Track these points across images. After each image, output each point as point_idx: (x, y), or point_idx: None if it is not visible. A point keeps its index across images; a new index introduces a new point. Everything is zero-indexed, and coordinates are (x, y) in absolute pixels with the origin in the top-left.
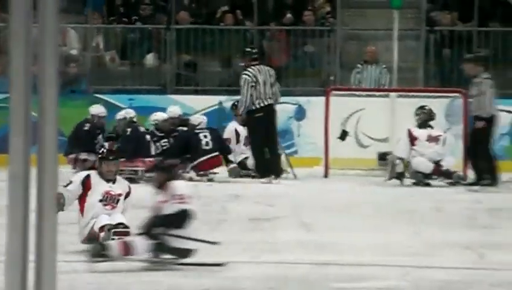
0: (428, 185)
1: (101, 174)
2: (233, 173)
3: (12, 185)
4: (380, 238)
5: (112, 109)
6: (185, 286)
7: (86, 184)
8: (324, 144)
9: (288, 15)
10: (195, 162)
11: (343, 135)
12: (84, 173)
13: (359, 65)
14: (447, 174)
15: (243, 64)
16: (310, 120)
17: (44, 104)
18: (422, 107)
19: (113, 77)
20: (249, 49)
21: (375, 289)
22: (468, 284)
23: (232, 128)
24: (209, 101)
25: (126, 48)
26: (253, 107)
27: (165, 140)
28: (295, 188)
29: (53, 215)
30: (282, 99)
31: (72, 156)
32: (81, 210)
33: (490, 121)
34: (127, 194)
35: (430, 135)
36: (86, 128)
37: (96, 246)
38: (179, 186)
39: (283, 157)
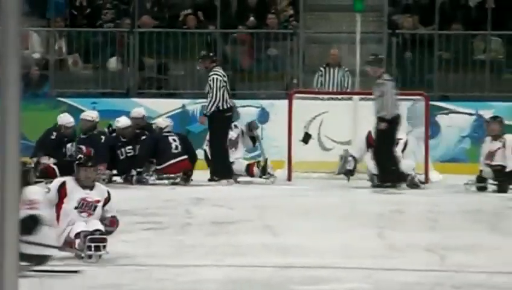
0: (379, 186)
1: (78, 181)
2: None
3: None
4: (342, 241)
5: (76, 112)
6: None
7: (61, 191)
8: (287, 147)
9: (252, 18)
10: (163, 165)
11: (306, 138)
12: (60, 180)
13: (322, 68)
14: (402, 178)
15: (201, 67)
16: (273, 123)
17: (7, 107)
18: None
19: (76, 81)
20: (205, 53)
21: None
22: (429, 286)
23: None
24: (173, 105)
25: (89, 52)
26: (224, 106)
27: (130, 147)
28: (258, 191)
29: (15, 214)
30: (246, 102)
31: (34, 159)
32: (57, 218)
33: (392, 122)
34: (106, 201)
35: None
36: (52, 137)
37: None
38: (31, 191)
39: (268, 162)
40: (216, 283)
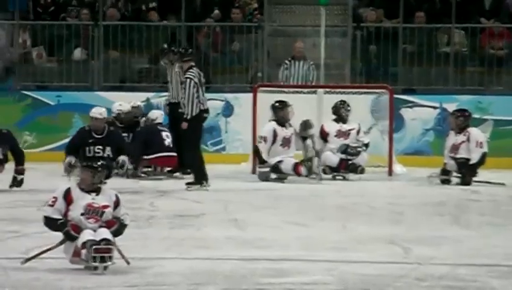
0: (335, 178)
1: (80, 185)
2: (263, 176)
3: None
4: (306, 233)
5: (40, 105)
6: (113, 282)
7: (67, 198)
8: (252, 141)
9: (216, 11)
10: (151, 156)
11: None
12: (64, 187)
13: (287, 61)
14: (353, 169)
15: (164, 62)
16: (237, 117)
17: None
18: (343, 102)
19: (40, 74)
20: (167, 47)
21: (302, 283)
22: (394, 278)
23: (271, 128)
24: (137, 98)
25: (53, 45)
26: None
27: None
28: (222, 184)
29: None
30: (211, 95)
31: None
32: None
33: (193, 120)
34: (116, 204)
35: (340, 129)
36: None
37: None
38: None
39: (315, 161)
40: (181, 275)
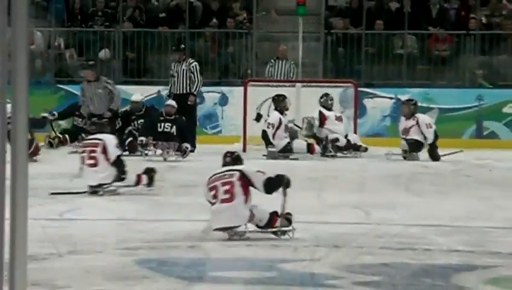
0: (335, 156)
1: None
2: (271, 155)
3: None
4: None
5: (71, 96)
6: (132, 238)
7: None
8: (243, 125)
9: (214, 20)
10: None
11: (258, 118)
12: None
13: (272, 61)
14: (356, 147)
15: (174, 57)
16: (231, 106)
17: (17, 92)
18: (327, 94)
19: (71, 70)
20: (182, 46)
21: (284, 239)
22: (357, 235)
23: (277, 117)
24: (150, 90)
25: (82, 47)
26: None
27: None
28: (219, 160)
29: (24, 182)
30: (210, 88)
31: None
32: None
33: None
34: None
35: (336, 115)
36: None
37: None
38: None
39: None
40: (185, 233)
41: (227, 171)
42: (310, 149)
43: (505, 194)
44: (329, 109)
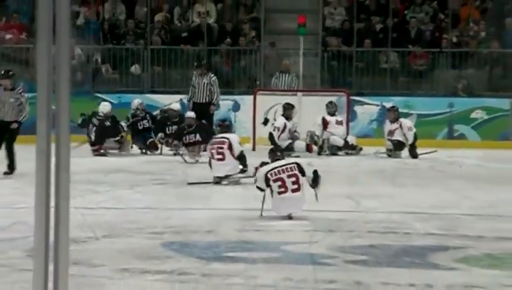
0: (336, 155)
1: None
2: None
3: (39, 156)
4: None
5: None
6: (157, 225)
7: None
8: (252, 128)
9: (228, 39)
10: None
11: (265, 122)
12: None
13: (277, 73)
14: (352, 147)
15: (198, 71)
16: (243, 111)
17: (60, 99)
18: (331, 102)
19: (107, 82)
20: (203, 62)
21: (287, 225)
22: (349, 222)
23: (283, 122)
24: (174, 99)
25: (116, 62)
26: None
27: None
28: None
29: (66, 175)
30: (224, 97)
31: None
32: None
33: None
34: None
35: (337, 120)
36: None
37: None
38: None
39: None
40: (204, 220)
41: (286, 164)
42: (308, 148)
43: (473, 186)
44: (333, 114)
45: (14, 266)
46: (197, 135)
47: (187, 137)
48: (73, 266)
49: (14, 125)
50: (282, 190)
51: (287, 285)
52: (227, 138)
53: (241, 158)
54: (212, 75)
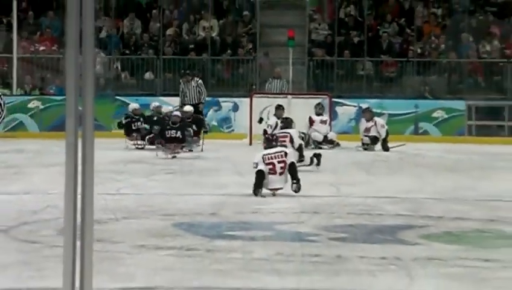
0: (320, 148)
1: None
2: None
3: (68, 150)
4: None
5: (126, 105)
6: (160, 214)
7: None
8: (249, 126)
9: (229, 50)
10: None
11: (260, 120)
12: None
13: (270, 79)
14: (331, 142)
15: (184, 79)
16: (241, 112)
17: (86, 102)
18: (319, 104)
19: (126, 87)
20: (188, 71)
21: (278, 208)
22: (330, 205)
23: (275, 121)
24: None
25: (133, 69)
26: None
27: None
28: (231, 150)
29: (90, 167)
30: (225, 99)
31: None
32: None
33: None
34: None
35: (321, 119)
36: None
37: None
38: None
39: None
40: (208, 204)
41: (277, 152)
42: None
43: (434, 174)
44: (320, 114)
45: (47, 243)
46: (178, 132)
47: (169, 132)
48: (97, 243)
49: None
50: (272, 171)
51: (279, 259)
52: (289, 133)
53: (300, 150)
54: (198, 79)
